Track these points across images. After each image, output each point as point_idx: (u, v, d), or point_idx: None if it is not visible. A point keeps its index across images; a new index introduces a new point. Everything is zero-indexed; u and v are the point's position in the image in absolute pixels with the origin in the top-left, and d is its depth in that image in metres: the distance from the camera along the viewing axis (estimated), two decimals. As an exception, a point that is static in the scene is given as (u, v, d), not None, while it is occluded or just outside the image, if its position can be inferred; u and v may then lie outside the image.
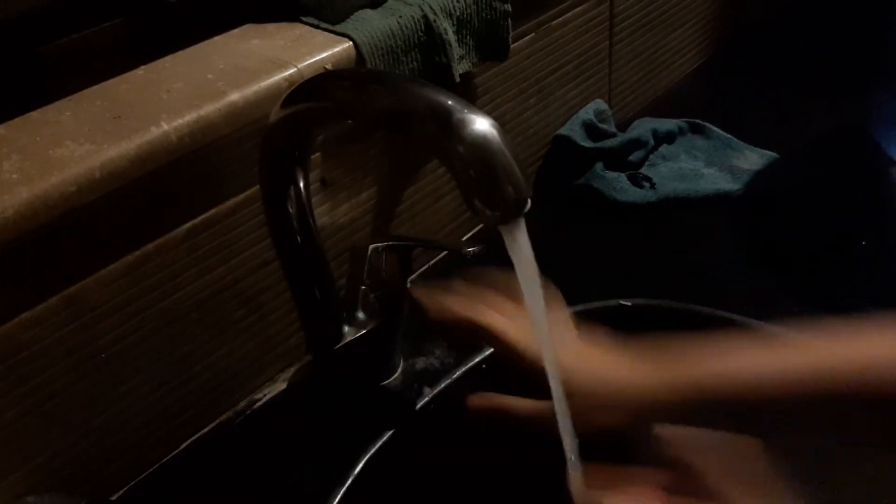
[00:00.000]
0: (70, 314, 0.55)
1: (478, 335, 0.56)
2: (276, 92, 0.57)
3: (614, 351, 0.54)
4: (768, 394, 0.49)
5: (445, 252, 0.80)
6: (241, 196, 0.61)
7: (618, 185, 0.85)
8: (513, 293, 0.56)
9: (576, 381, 0.51)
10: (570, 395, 0.49)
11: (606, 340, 0.55)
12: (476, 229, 0.83)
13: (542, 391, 0.49)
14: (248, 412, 0.67)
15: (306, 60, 0.60)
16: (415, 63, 0.66)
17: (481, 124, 0.43)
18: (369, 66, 0.62)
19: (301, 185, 0.56)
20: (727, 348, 0.51)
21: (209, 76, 0.58)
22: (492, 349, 0.63)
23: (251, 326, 0.66)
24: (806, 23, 1.11)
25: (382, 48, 0.63)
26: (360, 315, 0.63)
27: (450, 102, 0.44)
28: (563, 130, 0.88)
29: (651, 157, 0.89)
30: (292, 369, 0.70)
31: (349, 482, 0.61)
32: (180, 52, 0.61)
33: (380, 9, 0.65)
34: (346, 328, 0.63)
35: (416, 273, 0.77)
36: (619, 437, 0.52)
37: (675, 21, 1.01)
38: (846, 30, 1.07)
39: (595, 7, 0.87)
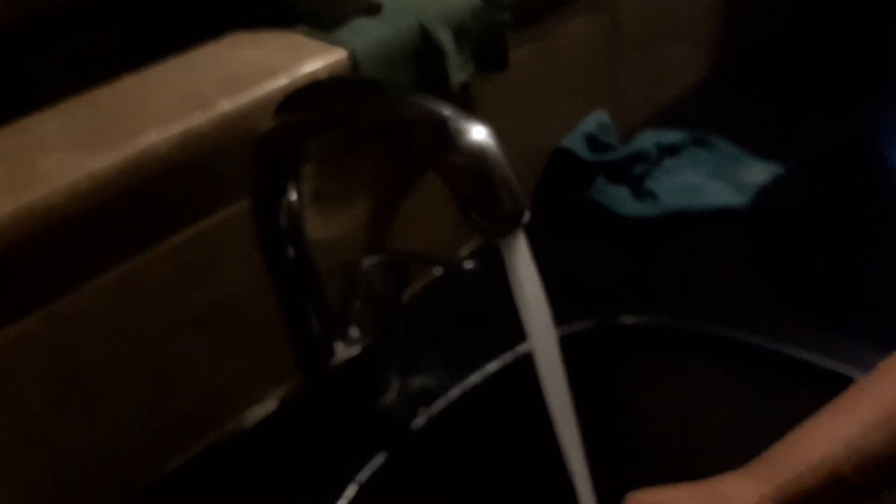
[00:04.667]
0: (55, 329, 0.53)
1: None
2: (268, 101, 0.56)
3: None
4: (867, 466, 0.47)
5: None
6: (232, 208, 0.60)
7: (620, 198, 0.84)
8: None
9: None
10: None
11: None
12: (474, 243, 0.82)
13: None
14: (238, 432, 0.66)
15: (300, 69, 0.59)
16: (411, 73, 0.65)
17: (478, 133, 0.42)
18: (364, 75, 0.62)
19: (293, 197, 0.56)
20: (804, 435, 0.50)
21: (199, 85, 0.57)
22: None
23: (241, 343, 0.65)
24: (811, 36, 1.11)
25: (378, 57, 0.62)
26: (354, 332, 0.63)
27: (446, 112, 0.44)
28: (564, 143, 0.87)
29: (654, 170, 0.89)
30: (283, 388, 0.68)
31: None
32: (170, 60, 0.61)
33: (376, 17, 0.65)
34: (339, 345, 0.62)
35: (413, 288, 0.76)
36: None
37: (679, 33, 1.00)
38: (852, 43, 1.07)
39: (597, 18, 0.87)
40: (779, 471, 0.50)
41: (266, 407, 0.67)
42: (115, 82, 0.58)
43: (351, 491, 0.60)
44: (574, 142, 0.87)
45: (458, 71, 0.68)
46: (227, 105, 0.56)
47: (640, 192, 0.85)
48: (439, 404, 0.66)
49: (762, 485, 0.49)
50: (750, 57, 1.10)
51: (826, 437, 0.49)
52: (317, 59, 0.60)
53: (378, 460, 0.62)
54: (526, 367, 0.49)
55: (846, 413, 0.50)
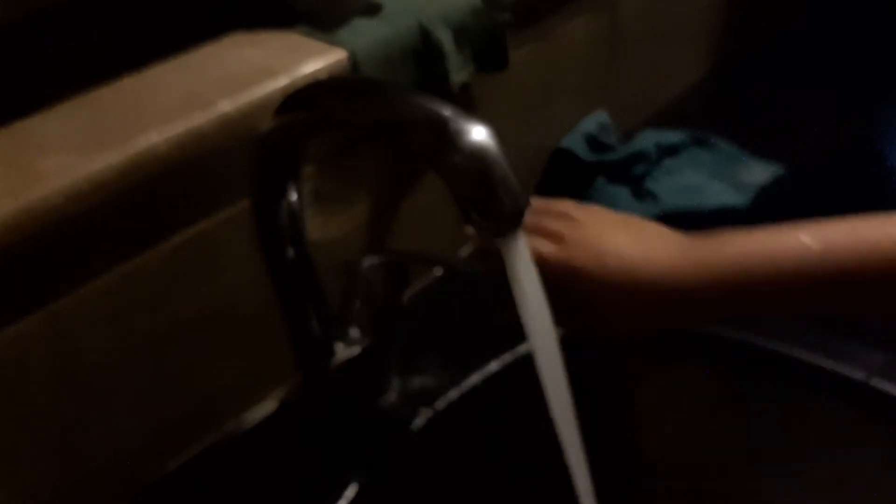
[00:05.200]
0: (57, 329, 0.53)
1: None
2: (268, 102, 0.56)
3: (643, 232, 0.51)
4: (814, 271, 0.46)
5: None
6: (232, 209, 0.60)
7: (620, 199, 0.84)
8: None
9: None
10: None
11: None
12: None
13: None
14: (238, 432, 0.66)
15: (300, 69, 0.59)
16: (411, 73, 0.65)
17: (478, 133, 0.42)
18: (364, 75, 0.62)
19: (293, 197, 0.55)
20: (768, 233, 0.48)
21: (200, 85, 0.57)
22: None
23: (241, 343, 0.64)
24: (811, 36, 1.10)
25: (378, 57, 0.62)
26: (354, 332, 0.62)
27: (446, 112, 0.43)
28: (563, 143, 0.87)
29: (654, 170, 0.88)
30: (283, 388, 0.68)
31: (342, 504, 0.60)
32: (170, 61, 0.60)
33: (376, 18, 0.65)
34: (339, 346, 0.62)
35: (413, 288, 0.76)
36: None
37: (678, 33, 1.00)
38: (852, 43, 1.07)
39: (596, 18, 0.86)
40: (717, 245, 0.48)
41: (266, 407, 0.67)
42: (115, 82, 0.58)
43: (351, 491, 0.60)
44: (574, 142, 0.87)
45: (458, 71, 0.68)
46: (227, 105, 0.56)
47: (640, 193, 0.85)
48: (439, 404, 0.66)
49: (695, 247, 0.48)
50: (750, 57, 1.09)
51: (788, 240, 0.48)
52: (317, 60, 0.60)
53: (378, 461, 0.62)
54: (526, 368, 0.49)
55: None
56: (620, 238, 0.50)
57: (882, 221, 0.46)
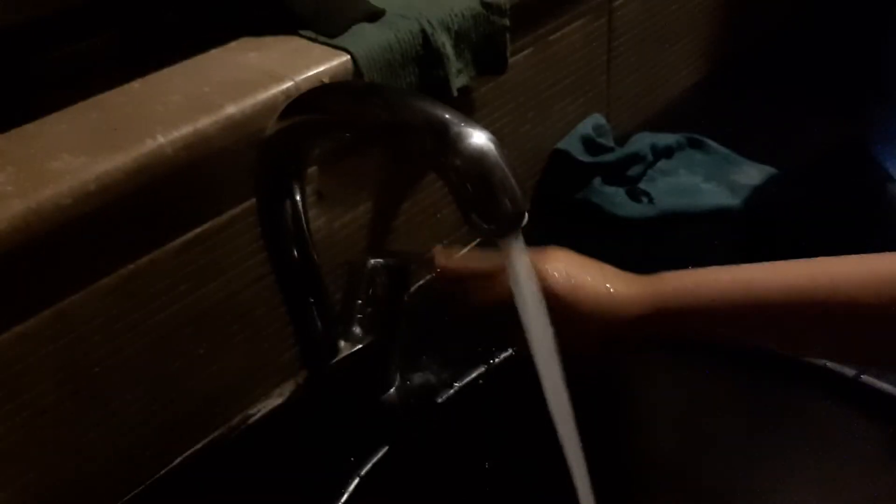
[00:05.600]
0: (62, 328, 0.54)
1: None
2: (272, 105, 0.57)
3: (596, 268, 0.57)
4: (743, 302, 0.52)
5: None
6: (237, 209, 0.60)
7: (616, 199, 0.85)
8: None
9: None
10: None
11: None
12: (474, 244, 0.82)
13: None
14: (242, 428, 0.66)
15: (303, 73, 0.60)
16: (412, 77, 0.65)
17: (478, 138, 0.43)
18: (367, 79, 0.62)
19: (297, 198, 0.56)
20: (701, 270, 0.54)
21: (206, 89, 0.58)
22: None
23: (245, 341, 0.65)
24: (805, 39, 1.11)
25: (380, 62, 0.63)
26: (356, 330, 0.63)
27: (447, 116, 0.44)
28: (561, 145, 0.87)
29: (649, 171, 0.89)
30: (287, 385, 0.69)
31: (344, 499, 0.60)
32: (177, 65, 0.61)
33: (378, 22, 0.65)
34: (342, 343, 0.63)
35: (414, 288, 0.76)
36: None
37: (675, 36, 1.00)
38: (845, 46, 1.07)
39: (594, 22, 0.87)
40: (667, 283, 0.55)
41: (270, 404, 0.68)
42: (122, 86, 0.59)
43: (354, 486, 0.61)
44: (570, 144, 0.87)
45: (459, 74, 0.69)
46: (232, 109, 0.56)
47: (636, 194, 0.86)
48: (440, 401, 0.66)
49: (644, 285, 0.54)
50: (747, 59, 1.10)
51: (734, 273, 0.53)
52: (320, 64, 0.61)
53: (380, 456, 0.62)
54: (525, 366, 0.49)
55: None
56: (588, 275, 0.56)
57: (801, 264, 0.53)
